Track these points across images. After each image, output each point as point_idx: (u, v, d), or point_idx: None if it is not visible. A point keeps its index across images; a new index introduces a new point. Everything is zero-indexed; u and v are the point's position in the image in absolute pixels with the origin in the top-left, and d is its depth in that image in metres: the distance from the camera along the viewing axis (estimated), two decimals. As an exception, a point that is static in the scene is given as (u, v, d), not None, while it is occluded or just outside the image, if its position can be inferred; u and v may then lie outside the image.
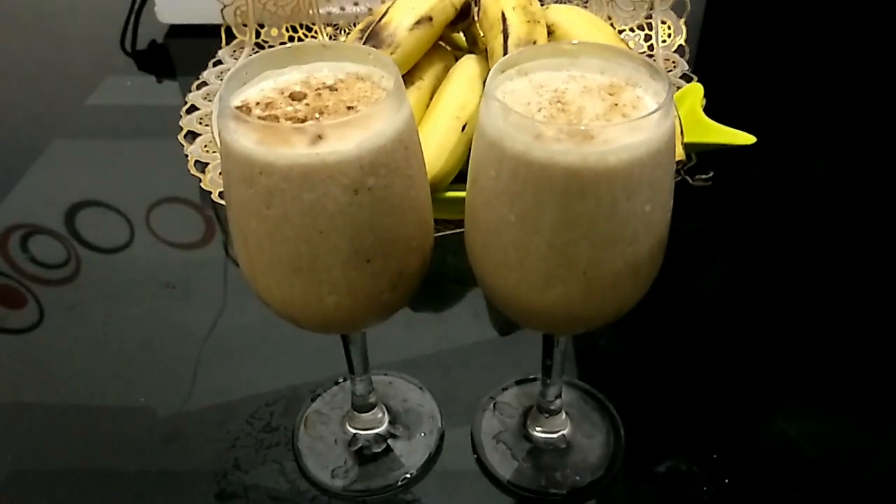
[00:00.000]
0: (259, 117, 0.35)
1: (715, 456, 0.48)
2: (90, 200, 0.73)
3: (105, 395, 0.54)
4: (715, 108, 0.73)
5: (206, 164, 0.74)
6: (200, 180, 0.72)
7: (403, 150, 0.35)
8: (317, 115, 0.35)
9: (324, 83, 0.37)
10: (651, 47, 0.87)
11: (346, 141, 0.33)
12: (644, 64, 0.36)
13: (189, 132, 0.79)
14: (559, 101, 0.35)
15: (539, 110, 0.35)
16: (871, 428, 0.50)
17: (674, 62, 0.86)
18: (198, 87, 0.86)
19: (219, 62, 0.90)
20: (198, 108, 0.82)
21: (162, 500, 0.47)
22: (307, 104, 0.36)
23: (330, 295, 0.36)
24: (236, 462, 0.49)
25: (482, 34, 0.64)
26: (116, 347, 0.58)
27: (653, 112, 0.32)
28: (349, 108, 0.36)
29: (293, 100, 0.36)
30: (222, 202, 0.69)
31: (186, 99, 0.83)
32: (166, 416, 0.52)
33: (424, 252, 0.39)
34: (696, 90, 0.74)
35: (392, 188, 0.35)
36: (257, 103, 0.36)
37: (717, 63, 0.90)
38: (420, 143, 0.37)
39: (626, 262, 0.35)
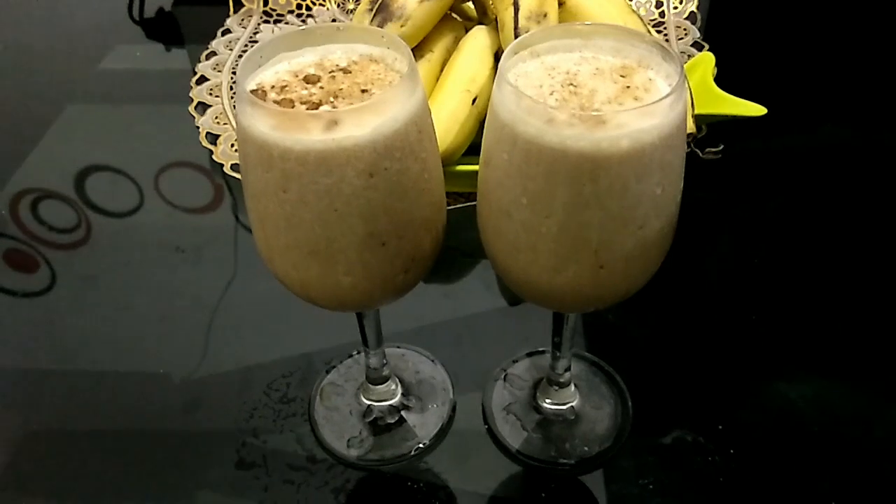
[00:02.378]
0: (274, 101, 0.35)
1: (720, 427, 0.49)
2: (101, 165, 0.75)
3: (119, 360, 0.56)
4: (726, 75, 0.72)
5: (218, 135, 0.74)
6: (212, 152, 0.72)
7: (417, 133, 0.35)
8: (331, 99, 0.35)
9: (337, 65, 0.38)
10: (662, 14, 0.86)
11: (362, 126, 0.33)
12: (656, 46, 0.36)
13: (199, 103, 0.79)
14: (571, 84, 0.36)
15: (551, 93, 0.35)
16: (874, 395, 0.51)
17: (685, 29, 0.86)
18: (207, 57, 0.86)
19: (227, 31, 0.90)
20: (207, 79, 0.82)
21: (182, 468, 0.49)
22: (321, 87, 0.36)
23: (346, 276, 0.37)
24: (254, 432, 0.50)
25: (492, 4, 0.63)
26: (130, 313, 0.59)
27: (665, 97, 0.32)
28: (363, 91, 0.36)
29: (307, 83, 0.37)
30: (234, 174, 0.70)
31: (196, 69, 0.83)
32: (183, 383, 0.53)
33: (438, 232, 0.39)
34: (707, 59, 0.73)
35: (406, 171, 0.35)
36: (272, 86, 0.36)
37: (729, 30, 0.89)
38: (433, 125, 0.38)
39: (637, 244, 0.35)
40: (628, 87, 0.35)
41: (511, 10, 0.58)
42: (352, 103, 0.35)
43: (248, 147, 0.35)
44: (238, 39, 0.88)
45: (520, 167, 0.34)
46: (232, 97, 0.79)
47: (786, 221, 0.64)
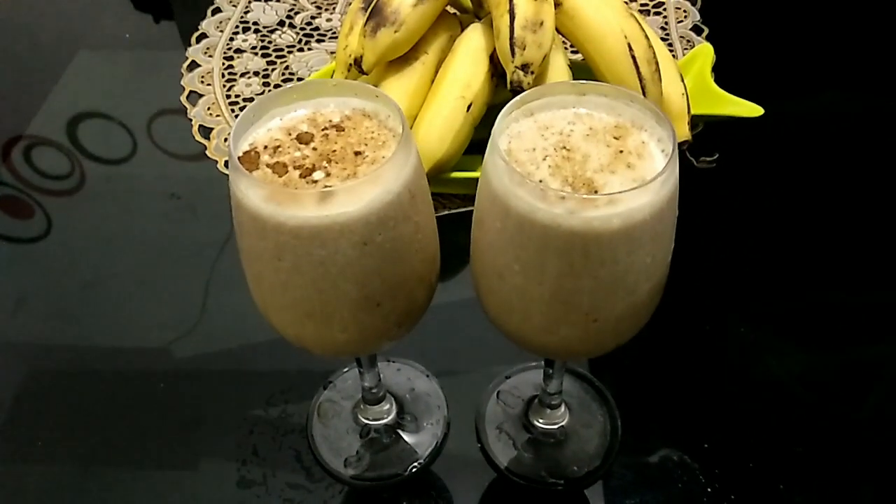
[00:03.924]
0: (267, 164, 0.35)
1: (706, 445, 0.51)
2: (95, 112, 0.78)
3: (118, 314, 0.60)
4: (725, 59, 0.73)
5: (211, 129, 0.74)
6: (205, 147, 0.72)
7: (410, 199, 0.35)
8: (325, 164, 0.35)
9: (330, 121, 0.37)
10: (662, -5, 0.85)
11: (356, 199, 0.33)
12: (650, 108, 0.36)
13: (191, 92, 0.78)
14: (564, 147, 0.36)
15: (544, 158, 0.35)
16: (868, 427, 0.52)
17: (685, 11, 0.84)
18: (197, 40, 0.84)
19: (218, 10, 0.88)
20: (199, 65, 0.81)
21: (183, 488, 0.51)
22: (314, 148, 0.36)
23: (341, 334, 0.37)
24: (255, 449, 0.52)
25: (488, 9, 0.62)
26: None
27: (657, 177, 0.32)
28: (357, 153, 0.36)
29: (300, 142, 0.36)
30: (227, 172, 0.69)
31: (187, 54, 0.82)
32: (182, 398, 0.55)
33: (431, 284, 0.40)
34: (705, 52, 0.72)
35: (400, 237, 0.36)
36: (265, 147, 0.36)
37: (729, 9, 0.87)
38: (427, 189, 0.38)
39: (627, 308, 0.36)
40: (621, 151, 0.35)
41: (507, 17, 0.57)
42: (345, 168, 0.35)
43: (242, 215, 0.35)
44: (229, 20, 0.86)
45: (512, 237, 0.35)
46: (224, 85, 0.78)
47: (779, 233, 0.64)
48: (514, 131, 0.37)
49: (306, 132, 0.37)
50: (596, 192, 0.34)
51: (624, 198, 0.32)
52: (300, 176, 0.35)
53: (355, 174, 0.35)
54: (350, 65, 0.63)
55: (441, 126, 0.60)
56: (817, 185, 0.68)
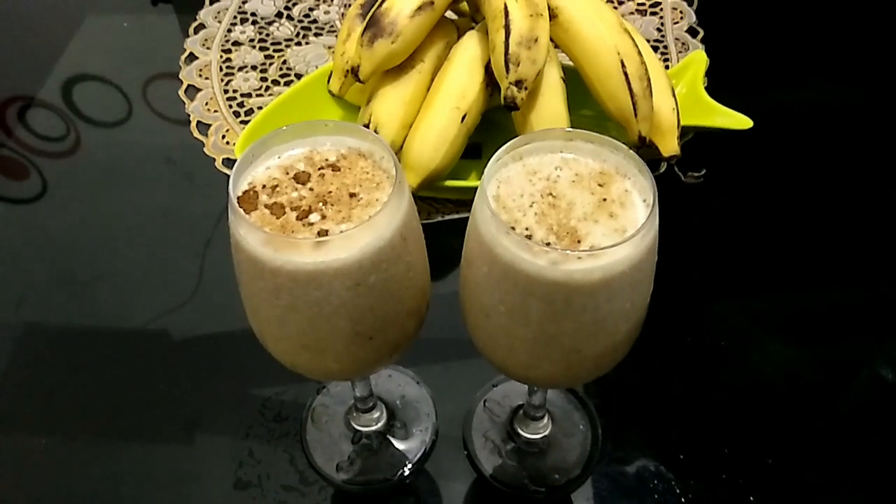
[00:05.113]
0: (266, 205, 0.37)
1: (681, 457, 0.53)
2: (89, 75, 0.82)
3: (114, 274, 0.64)
4: (719, 60, 0.74)
5: (209, 125, 0.75)
6: (203, 144, 0.73)
7: (402, 242, 0.37)
8: (321, 206, 0.37)
9: (326, 160, 0.39)
10: (659, -5, 0.85)
11: (350, 245, 0.35)
12: (633, 157, 0.37)
13: (189, 86, 0.79)
14: (550, 194, 0.37)
15: (531, 205, 0.37)
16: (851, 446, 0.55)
17: (681, 12, 0.85)
18: (195, 31, 0.84)
19: (216, -1, 0.88)
20: (197, 57, 0.81)
21: (180, 489, 0.53)
22: (311, 188, 0.38)
23: (334, 364, 0.39)
24: (250, 451, 0.54)
25: (484, 14, 0.63)
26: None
27: (636, 233, 0.34)
28: (352, 195, 0.37)
29: (298, 182, 0.38)
30: (225, 171, 0.71)
31: (185, 45, 0.82)
32: (181, 396, 0.57)
33: (421, 315, 0.42)
34: (698, 60, 0.73)
35: (392, 278, 0.37)
36: (263, 186, 0.38)
37: (725, 10, 0.88)
38: (419, 228, 0.39)
39: (607, 347, 0.38)
40: (604, 199, 0.37)
41: (502, 32, 0.58)
42: (340, 210, 0.37)
43: (241, 256, 0.36)
44: (227, 10, 0.86)
45: (498, 281, 0.36)
46: (222, 80, 0.79)
47: (759, 246, 0.66)
48: (504, 176, 0.38)
49: (303, 171, 0.38)
50: (579, 241, 0.35)
51: (604, 254, 0.34)
52: (297, 218, 0.36)
53: (350, 217, 0.36)
54: (347, 71, 0.64)
55: (436, 138, 0.61)
56: (802, 191, 0.69)
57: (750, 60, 0.82)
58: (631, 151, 0.37)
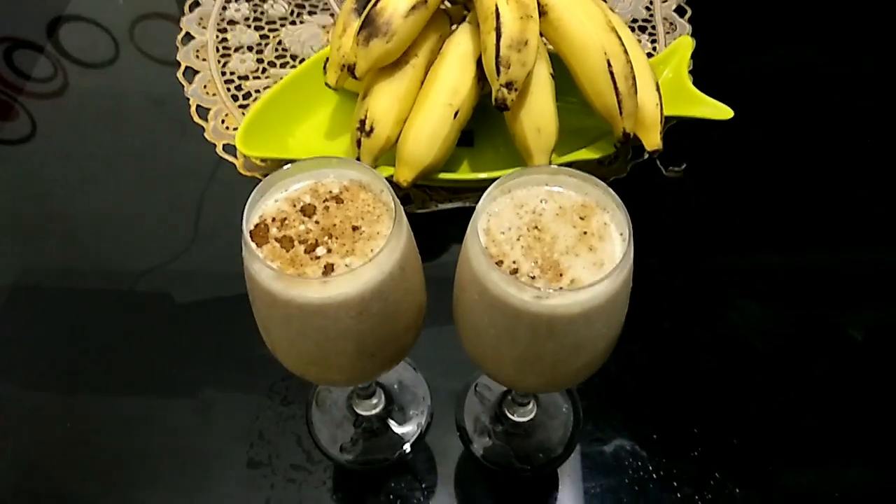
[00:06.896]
0: (276, 238, 0.40)
1: (655, 436, 0.58)
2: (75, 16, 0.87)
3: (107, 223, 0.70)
4: (706, 43, 0.77)
5: (208, 109, 0.77)
6: (203, 129, 0.75)
7: (401, 273, 0.41)
8: (326, 239, 0.40)
9: (330, 192, 0.42)
10: (648, -28, 0.86)
11: (354, 281, 0.39)
12: (610, 193, 0.41)
13: (187, 68, 0.80)
14: (536, 227, 0.41)
15: (518, 238, 0.41)
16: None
17: (670, -10, 0.86)
18: (191, 8, 0.85)
19: (209, -26, 0.88)
20: (193, 37, 0.83)
21: (195, 468, 0.58)
22: (317, 221, 0.41)
23: (339, 375, 0.44)
24: (261, 433, 0.59)
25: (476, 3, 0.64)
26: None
27: (613, 271, 0.38)
28: (354, 227, 0.41)
29: (304, 215, 0.41)
30: (226, 156, 0.73)
31: (181, 24, 0.84)
32: (193, 382, 0.61)
33: (418, 328, 0.46)
34: (685, 45, 0.75)
35: (392, 304, 0.41)
36: (273, 219, 0.41)
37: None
38: (417, 255, 0.43)
39: (586, 362, 0.42)
40: (585, 232, 0.41)
41: (493, 35, 0.60)
42: (344, 244, 0.40)
43: (255, 287, 0.40)
44: (221, -13, 0.87)
45: (488, 308, 0.40)
46: (219, 60, 0.80)
47: (741, 237, 0.69)
48: (493, 210, 0.41)
49: (309, 204, 0.42)
50: (561, 274, 0.39)
51: (584, 290, 0.38)
52: (305, 251, 0.40)
53: (353, 251, 0.40)
54: (343, 66, 0.66)
55: (429, 134, 0.64)
56: (784, 179, 0.73)
57: (736, 40, 0.84)
58: (609, 189, 0.41)
